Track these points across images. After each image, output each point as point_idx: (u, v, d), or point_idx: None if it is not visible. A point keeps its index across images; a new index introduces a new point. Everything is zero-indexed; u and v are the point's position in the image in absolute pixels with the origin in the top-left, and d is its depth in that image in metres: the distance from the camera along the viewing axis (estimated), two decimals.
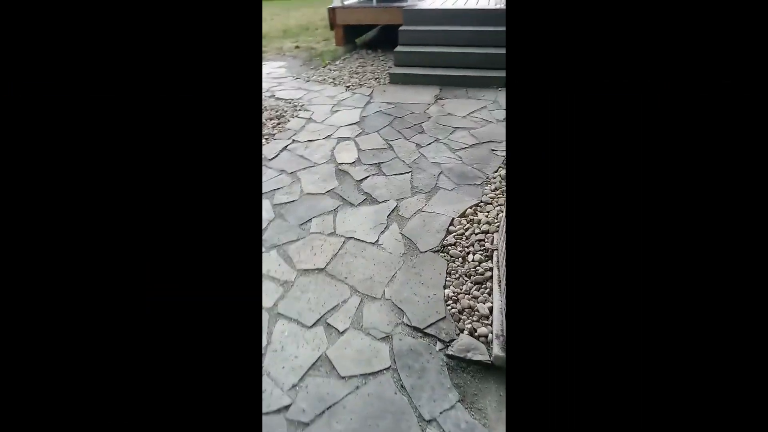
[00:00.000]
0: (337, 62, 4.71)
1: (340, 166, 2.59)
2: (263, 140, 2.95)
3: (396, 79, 3.96)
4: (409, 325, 1.51)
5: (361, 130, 3.08)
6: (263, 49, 5.40)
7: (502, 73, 3.77)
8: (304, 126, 3.18)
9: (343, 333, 1.49)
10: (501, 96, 3.56)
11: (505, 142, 2.76)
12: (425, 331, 1.49)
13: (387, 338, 1.47)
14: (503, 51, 3.83)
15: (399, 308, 1.58)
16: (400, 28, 4.27)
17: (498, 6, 4.23)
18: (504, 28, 3.99)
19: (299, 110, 3.48)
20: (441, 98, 3.61)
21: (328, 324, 1.53)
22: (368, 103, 3.58)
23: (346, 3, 4.81)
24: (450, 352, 1.41)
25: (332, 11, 4.72)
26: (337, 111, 3.44)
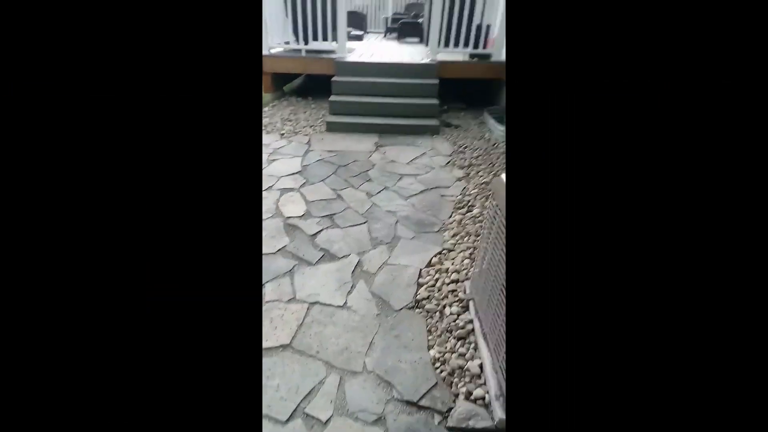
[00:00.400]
0: (266, 109, 4.56)
1: (288, 220, 2.39)
2: None
3: (333, 127, 3.93)
4: (401, 400, 1.34)
5: (305, 180, 2.92)
6: None
7: (434, 121, 3.99)
8: None
9: (327, 423, 1.26)
10: (437, 142, 3.73)
11: (450, 188, 2.85)
12: (419, 403, 1.33)
13: (380, 420, 1.28)
14: (433, 101, 4.09)
15: (386, 381, 1.40)
16: (333, 78, 4.33)
17: (423, 61, 4.55)
18: (429, 80, 4.38)
19: None
20: (381, 145, 3.65)
21: (307, 414, 1.29)
22: (307, 151, 3.47)
23: (272, 51, 4.76)
24: (451, 424, 1.27)
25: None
26: (275, 160, 3.25)
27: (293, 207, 2.54)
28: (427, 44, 5.03)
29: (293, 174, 3.02)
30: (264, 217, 2.42)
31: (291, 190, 2.78)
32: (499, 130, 3.88)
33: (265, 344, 1.53)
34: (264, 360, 1.47)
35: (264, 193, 2.70)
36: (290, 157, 3.33)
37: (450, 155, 3.44)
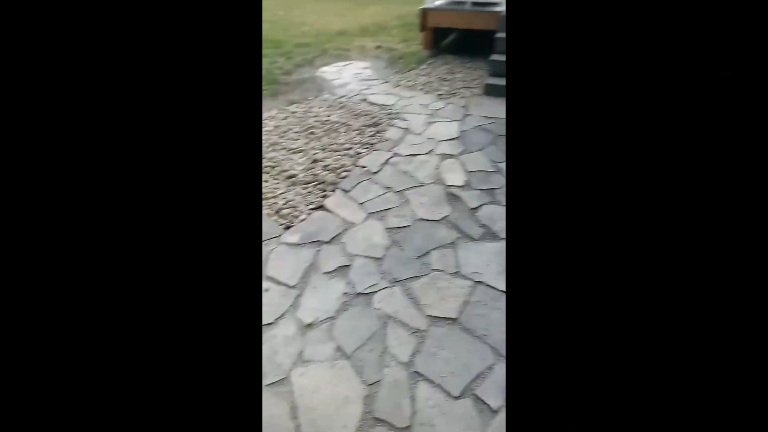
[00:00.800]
0: (423, 67, 4.47)
1: (449, 189, 2.36)
2: (364, 150, 2.78)
3: (492, 91, 3.66)
4: None
5: (463, 148, 2.83)
6: (346, 46, 5.26)
7: None
8: (402, 137, 2.97)
9: (496, 412, 1.25)
10: None
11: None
12: None
13: None
14: None
15: None
16: (496, 35, 3.96)
17: None
18: None
19: (395, 119, 3.28)
20: None
21: (477, 397, 1.30)
22: (465, 115, 3.32)
23: (436, 3, 4.55)
24: None
25: (424, 13, 4.48)
26: (433, 122, 3.21)
27: (453, 176, 2.50)
28: None
29: (451, 140, 2.94)
30: (426, 182, 2.43)
31: (450, 156, 2.72)
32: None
33: (433, 313, 1.58)
34: (433, 329, 1.52)
35: (425, 157, 2.71)
36: (448, 120, 3.24)
37: None
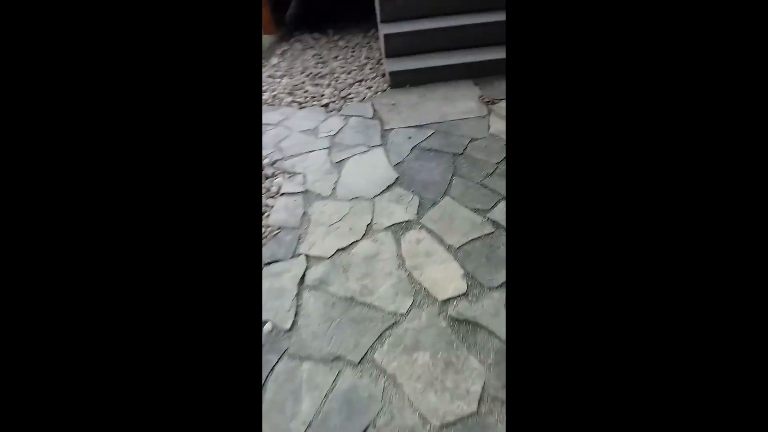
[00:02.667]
0: (275, 61, 3.01)
1: (445, 308, 1.21)
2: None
3: (401, 80, 2.49)
4: None
5: (419, 200, 1.66)
6: None
7: None
8: (303, 218, 1.64)
9: None
10: None
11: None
12: None
13: None
14: None
15: None
16: None
17: None
18: None
19: (274, 176, 1.88)
20: (491, 100, 2.29)
21: None
22: (385, 133, 2.11)
23: None
24: None
25: None
26: (342, 161, 1.93)
27: (440, 275, 1.34)
28: None
29: (390, 187, 1.74)
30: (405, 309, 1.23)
31: (409, 227, 1.54)
32: None
33: None
34: None
35: (366, 245, 1.46)
36: (363, 150, 1.99)
37: None
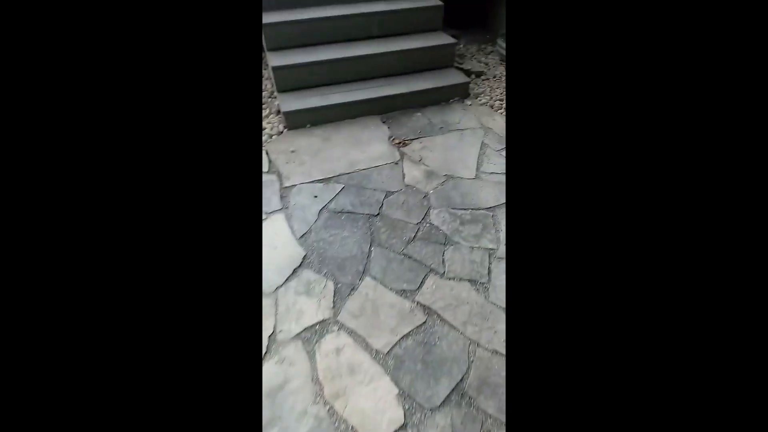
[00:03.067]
0: None
1: None
2: None
3: (299, 121, 2.14)
4: None
5: (336, 284, 1.36)
6: None
7: (456, 74, 2.45)
8: None
9: None
10: (482, 114, 2.27)
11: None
12: None
13: None
14: (443, 38, 2.46)
15: None
16: None
17: None
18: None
19: None
20: (402, 140, 2.08)
21: None
22: (285, 192, 1.76)
23: None
24: None
25: None
26: None
27: (370, 403, 1.06)
28: None
29: (297, 271, 1.41)
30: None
31: (324, 329, 1.22)
32: None
33: None
34: None
35: (269, 370, 1.11)
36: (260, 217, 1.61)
37: None
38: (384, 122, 2.23)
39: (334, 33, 2.34)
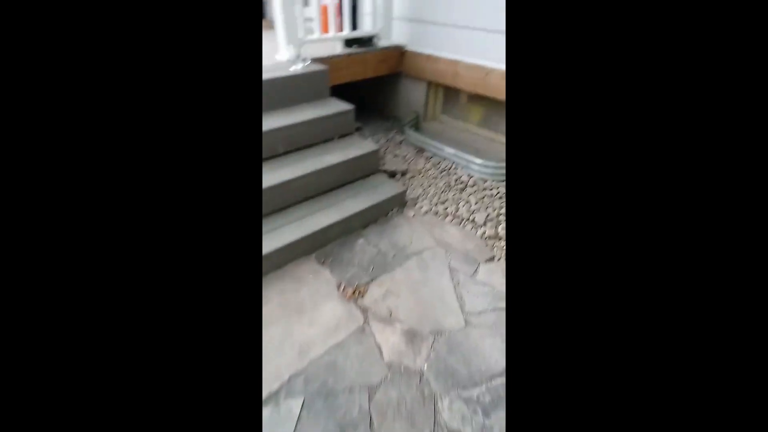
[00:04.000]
0: None
1: None
2: None
3: None
4: None
5: None
6: None
7: (389, 186, 2.12)
8: None
9: None
10: (435, 227, 1.95)
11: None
12: None
13: None
14: (365, 147, 2.13)
15: None
16: None
17: (294, 67, 2.32)
18: (327, 104, 2.23)
19: None
20: (355, 290, 1.59)
21: None
22: None
23: None
24: None
25: None
26: None
27: None
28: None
29: None
30: None
31: None
32: (448, 152, 2.46)
33: None
34: None
35: None
36: None
37: (486, 239, 1.82)
38: (322, 263, 1.72)
39: None
